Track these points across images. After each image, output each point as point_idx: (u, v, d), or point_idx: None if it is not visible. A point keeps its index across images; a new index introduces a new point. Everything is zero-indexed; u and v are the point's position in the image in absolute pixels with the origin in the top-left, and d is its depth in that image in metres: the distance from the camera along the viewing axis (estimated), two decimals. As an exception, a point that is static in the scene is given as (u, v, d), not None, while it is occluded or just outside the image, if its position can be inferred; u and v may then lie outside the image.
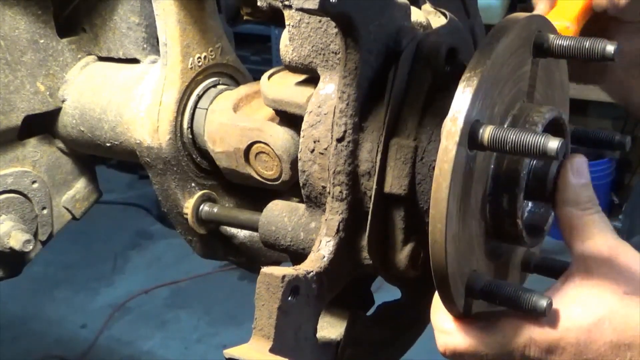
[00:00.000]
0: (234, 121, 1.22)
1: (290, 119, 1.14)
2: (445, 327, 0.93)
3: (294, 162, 1.14)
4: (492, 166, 0.90)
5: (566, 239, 0.92)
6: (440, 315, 0.94)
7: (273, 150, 1.16)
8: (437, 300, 0.93)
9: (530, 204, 0.96)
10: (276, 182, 1.18)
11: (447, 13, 1.12)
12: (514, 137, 0.82)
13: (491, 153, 0.89)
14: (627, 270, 0.88)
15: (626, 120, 4.87)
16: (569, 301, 0.88)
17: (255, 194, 1.31)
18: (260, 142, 1.17)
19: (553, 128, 0.93)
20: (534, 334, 0.88)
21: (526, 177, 0.90)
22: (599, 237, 0.90)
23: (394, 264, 1.01)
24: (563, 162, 0.92)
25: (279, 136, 1.16)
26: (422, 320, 1.12)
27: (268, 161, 1.17)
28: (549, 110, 0.92)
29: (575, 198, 0.91)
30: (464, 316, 0.92)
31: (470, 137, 0.83)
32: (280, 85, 1.12)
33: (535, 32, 0.92)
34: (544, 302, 0.85)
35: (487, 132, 0.83)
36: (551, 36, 0.92)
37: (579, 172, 0.91)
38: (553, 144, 0.80)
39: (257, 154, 1.18)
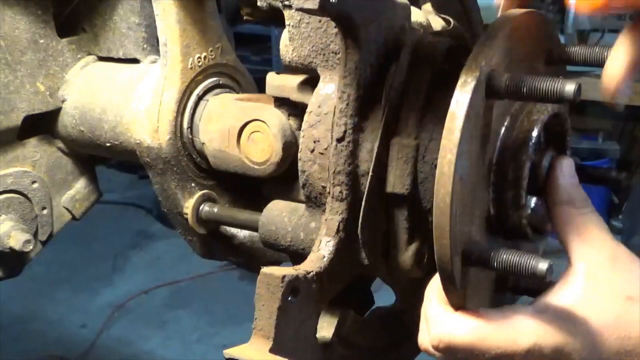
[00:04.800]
0: (234, 102, 1.26)
1: (290, 108, 1.15)
2: (443, 316, 0.88)
3: (285, 145, 1.16)
4: (502, 131, 0.90)
5: (563, 238, 0.90)
6: (436, 304, 0.89)
7: (269, 128, 1.17)
8: (432, 287, 0.90)
9: (532, 201, 0.95)
10: (264, 166, 1.18)
11: (451, 20, 1.12)
12: (531, 82, 0.82)
13: (503, 116, 0.89)
14: (629, 272, 0.88)
15: (626, 120, 4.87)
16: (574, 305, 0.86)
17: (253, 194, 1.31)
18: (257, 120, 1.18)
19: (553, 124, 0.94)
20: (539, 339, 0.85)
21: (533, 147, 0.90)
22: (599, 239, 0.89)
23: (399, 264, 1.01)
24: (552, 163, 0.92)
25: (276, 116, 1.17)
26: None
27: (260, 142, 1.18)
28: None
29: (569, 197, 0.90)
30: (462, 306, 0.88)
31: (487, 83, 0.83)
32: (285, 77, 1.13)
33: (549, 38, 0.93)
34: (544, 266, 0.82)
35: (504, 78, 0.83)
36: (564, 45, 0.95)
37: (569, 173, 0.91)
38: (570, 86, 0.80)
39: (251, 134, 1.19)
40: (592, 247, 0.88)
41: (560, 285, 0.88)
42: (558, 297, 0.87)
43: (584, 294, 0.87)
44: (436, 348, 0.89)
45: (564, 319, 0.86)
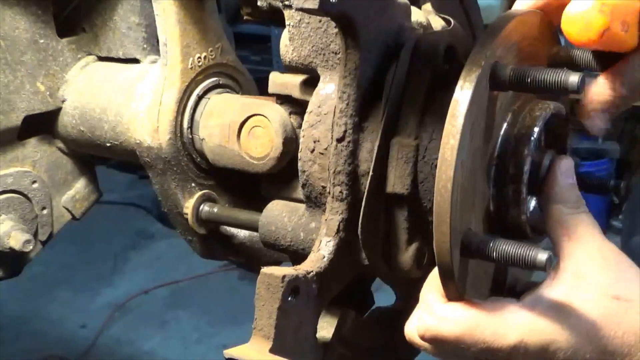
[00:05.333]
0: (236, 98, 1.26)
1: (292, 106, 1.15)
2: (434, 306, 0.88)
3: (286, 140, 1.16)
4: (504, 126, 0.90)
5: (553, 236, 0.91)
6: (430, 291, 0.89)
7: (270, 122, 1.17)
8: (433, 276, 0.90)
9: (533, 202, 0.95)
10: (263, 161, 1.18)
11: (451, 20, 1.12)
12: (535, 73, 0.83)
13: (505, 112, 0.90)
14: (617, 272, 0.87)
15: (626, 120, 4.86)
16: (561, 303, 0.86)
17: (253, 194, 1.31)
18: (258, 114, 1.19)
19: (554, 125, 0.94)
20: (525, 335, 0.85)
21: (535, 143, 0.90)
22: (588, 237, 0.89)
23: (399, 264, 1.01)
24: (552, 162, 0.92)
25: (278, 111, 1.17)
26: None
27: (260, 137, 1.18)
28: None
29: (564, 197, 0.90)
30: (457, 299, 0.87)
31: (491, 73, 0.84)
32: (289, 75, 1.13)
33: (551, 39, 0.94)
34: (543, 257, 0.81)
35: (508, 69, 0.84)
36: (566, 47, 0.95)
37: (567, 173, 0.91)
38: (574, 78, 0.81)
39: (252, 128, 1.19)
40: (580, 245, 0.88)
41: (548, 283, 0.88)
42: (545, 293, 0.87)
43: (571, 292, 0.86)
44: (422, 337, 0.89)
45: (550, 315, 0.86)
